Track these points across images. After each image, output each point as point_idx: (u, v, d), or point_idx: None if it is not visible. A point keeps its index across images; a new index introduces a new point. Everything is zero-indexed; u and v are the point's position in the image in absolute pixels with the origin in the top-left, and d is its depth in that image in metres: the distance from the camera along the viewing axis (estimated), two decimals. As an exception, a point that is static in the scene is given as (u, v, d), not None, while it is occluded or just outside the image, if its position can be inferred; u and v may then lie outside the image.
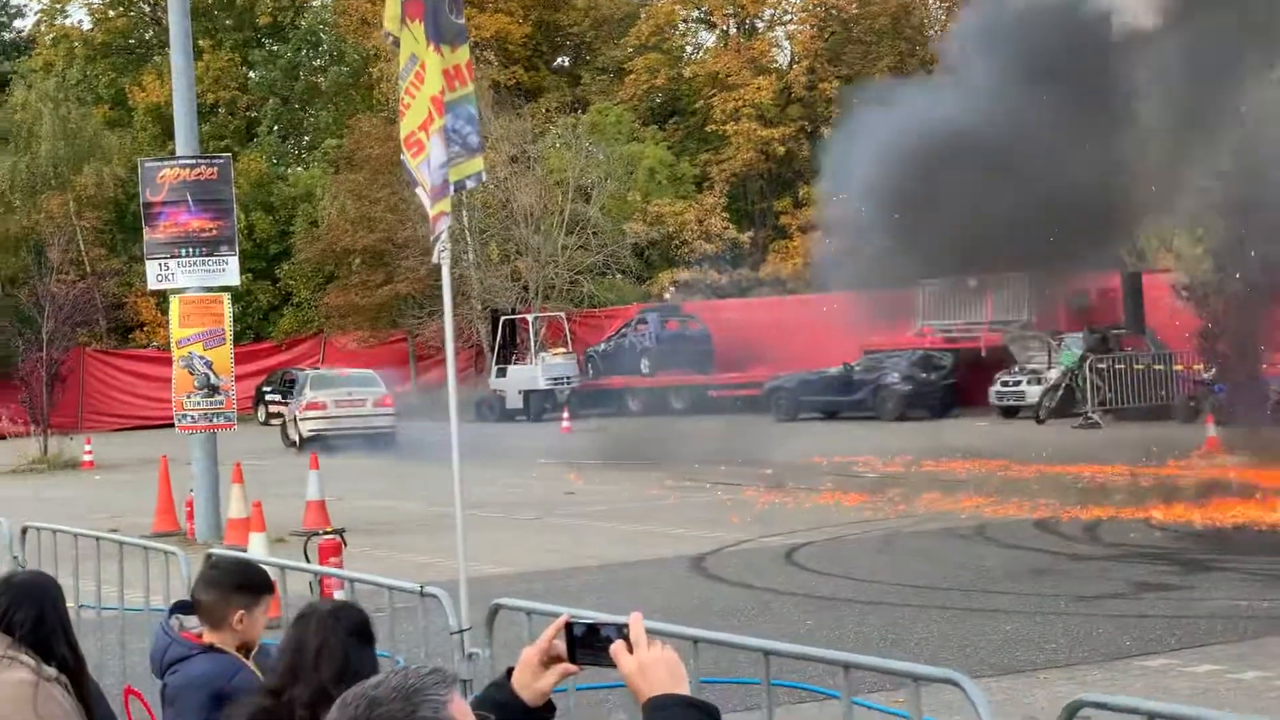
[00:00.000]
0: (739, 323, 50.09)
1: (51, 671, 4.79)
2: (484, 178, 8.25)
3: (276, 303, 62.22)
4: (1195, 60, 33.36)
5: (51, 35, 68.89)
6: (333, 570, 9.57)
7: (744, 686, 9.62)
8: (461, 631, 6.68)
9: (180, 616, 5.59)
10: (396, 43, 7.81)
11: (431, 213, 7.71)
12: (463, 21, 7.82)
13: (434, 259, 7.96)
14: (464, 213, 51.62)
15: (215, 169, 20.18)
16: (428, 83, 7.54)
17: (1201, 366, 32.03)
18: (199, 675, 5.22)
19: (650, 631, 3.08)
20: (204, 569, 5.53)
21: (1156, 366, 35.39)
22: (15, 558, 9.95)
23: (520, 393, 47.63)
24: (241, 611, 5.36)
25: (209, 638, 5.36)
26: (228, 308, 20.06)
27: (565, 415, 42.92)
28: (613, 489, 25.37)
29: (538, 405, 47.17)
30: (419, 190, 7.78)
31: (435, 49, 7.49)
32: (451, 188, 7.69)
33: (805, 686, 9.90)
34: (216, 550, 7.16)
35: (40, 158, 56.53)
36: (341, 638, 4.44)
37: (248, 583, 5.47)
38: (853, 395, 40.57)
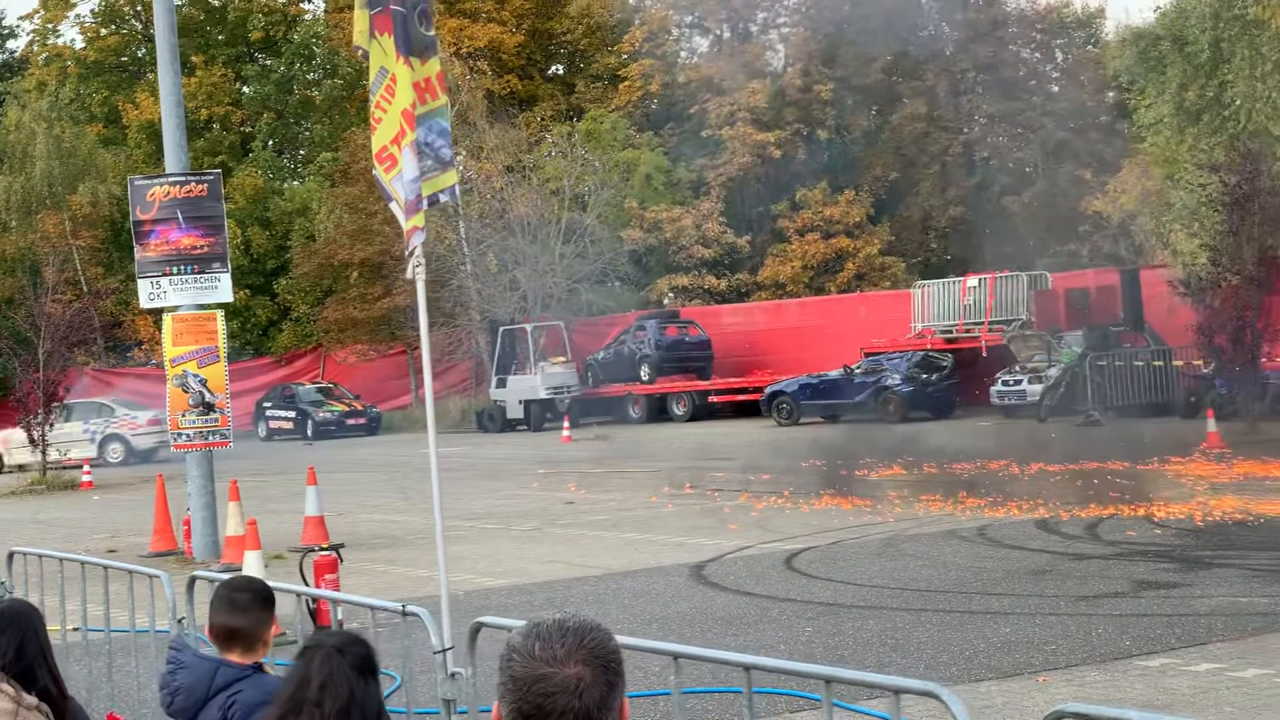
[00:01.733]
0: (738, 327, 50.11)
1: (32, 700, 4.74)
2: (457, 191, 8.17)
3: (275, 318, 62.22)
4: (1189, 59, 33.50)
5: (44, 55, 68.96)
6: (315, 591, 9.50)
7: (734, 696, 9.54)
8: (444, 651, 6.60)
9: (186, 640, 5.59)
10: (366, 56, 7.74)
11: (405, 227, 7.63)
12: (433, 33, 7.75)
13: (408, 274, 7.89)
14: (460, 224, 51.62)
15: (205, 185, 20.10)
16: (398, 96, 7.48)
17: (1200, 362, 31.96)
18: (270, 692, 5.18)
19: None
20: (227, 595, 5.48)
21: (1156, 363, 35.37)
22: (2, 584, 9.87)
23: (521, 403, 47.61)
24: (272, 627, 5.46)
25: (248, 658, 5.39)
26: (221, 325, 19.97)
27: (566, 424, 42.86)
28: (613, 497, 25.29)
29: (538, 415, 47.14)
30: (393, 205, 7.71)
31: (405, 62, 7.43)
32: (425, 202, 7.62)
33: (790, 693, 9.83)
34: (221, 574, 7.07)
35: (35, 178, 56.58)
36: (347, 673, 4.43)
37: (269, 598, 5.54)
38: (854, 398, 40.53)
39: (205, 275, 19.68)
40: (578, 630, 2.83)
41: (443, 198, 7.83)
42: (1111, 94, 54.73)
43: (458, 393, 53.90)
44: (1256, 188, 28.76)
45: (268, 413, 52.44)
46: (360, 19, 7.70)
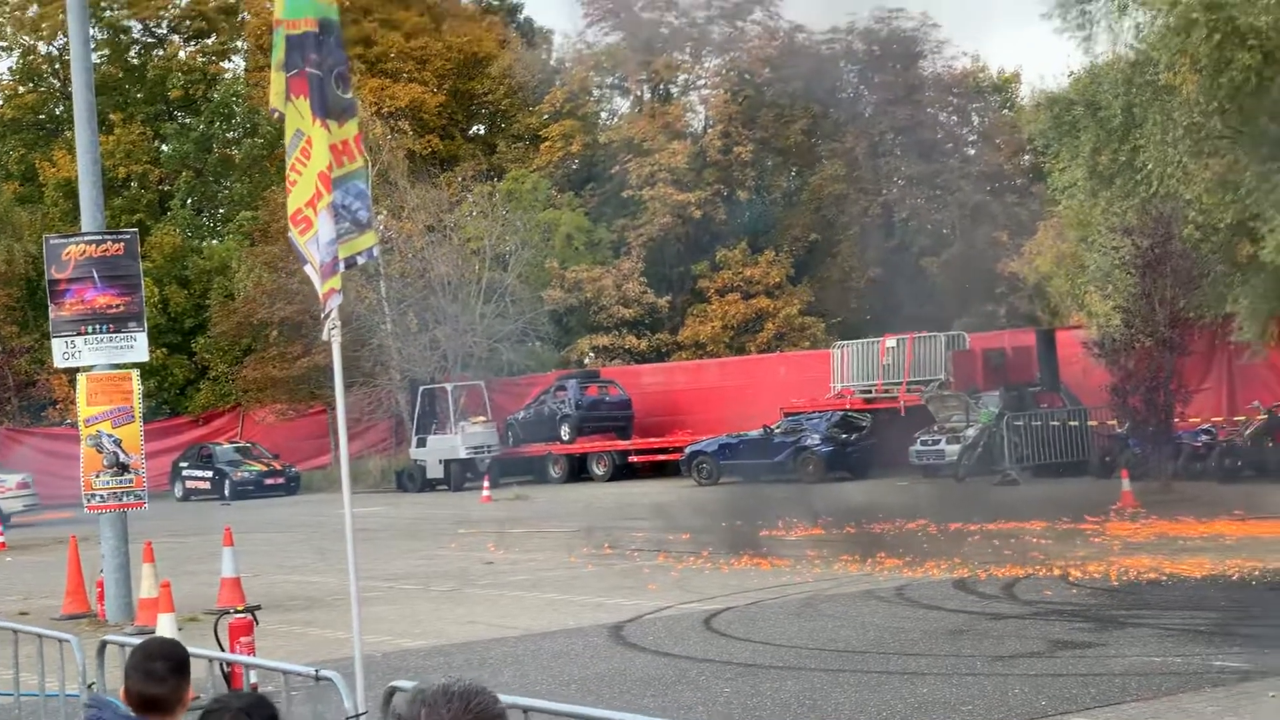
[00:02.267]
0: (658, 387, 50.18)
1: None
2: (376, 253, 8.17)
3: (193, 377, 61.68)
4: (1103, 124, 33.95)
5: (-40, 112, 68.35)
6: (228, 656, 9.41)
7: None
8: (357, 716, 6.56)
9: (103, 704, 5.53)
10: (282, 118, 7.74)
11: (321, 290, 7.61)
12: (351, 96, 7.77)
13: (324, 336, 7.87)
14: (381, 283, 51.46)
15: (122, 244, 19.96)
16: (314, 159, 7.47)
17: (1115, 422, 32.28)
18: None
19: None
20: (142, 662, 5.41)
21: (1072, 423, 35.69)
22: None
23: (441, 462, 47.46)
24: (188, 693, 5.39)
25: None
26: (136, 385, 19.80)
27: (486, 484, 42.72)
28: (532, 558, 25.23)
29: (459, 475, 46.99)
30: (307, 268, 7.69)
31: (322, 124, 7.43)
32: (342, 264, 7.61)
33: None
34: (134, 637, 7.00)
35: (-50, 235, 55.98)
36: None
37: (185, 664, 5.46)
38: (774, 458, 40.65)
39: (121, 334, 19.53)
40: (463, 695, 2.84)
41: (360, 260, 7.83)
42: (1027, 157, 55.37)
43: (378, 452, 53.64)
44: (1168, 251, 29.17)
45: (184, 473, 51.94)
46: (276, 81, 7.70)
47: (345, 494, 8.39)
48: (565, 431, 47.43)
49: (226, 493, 49.73)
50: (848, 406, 41.52)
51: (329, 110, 7.54)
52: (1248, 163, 31.04)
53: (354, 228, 7.72)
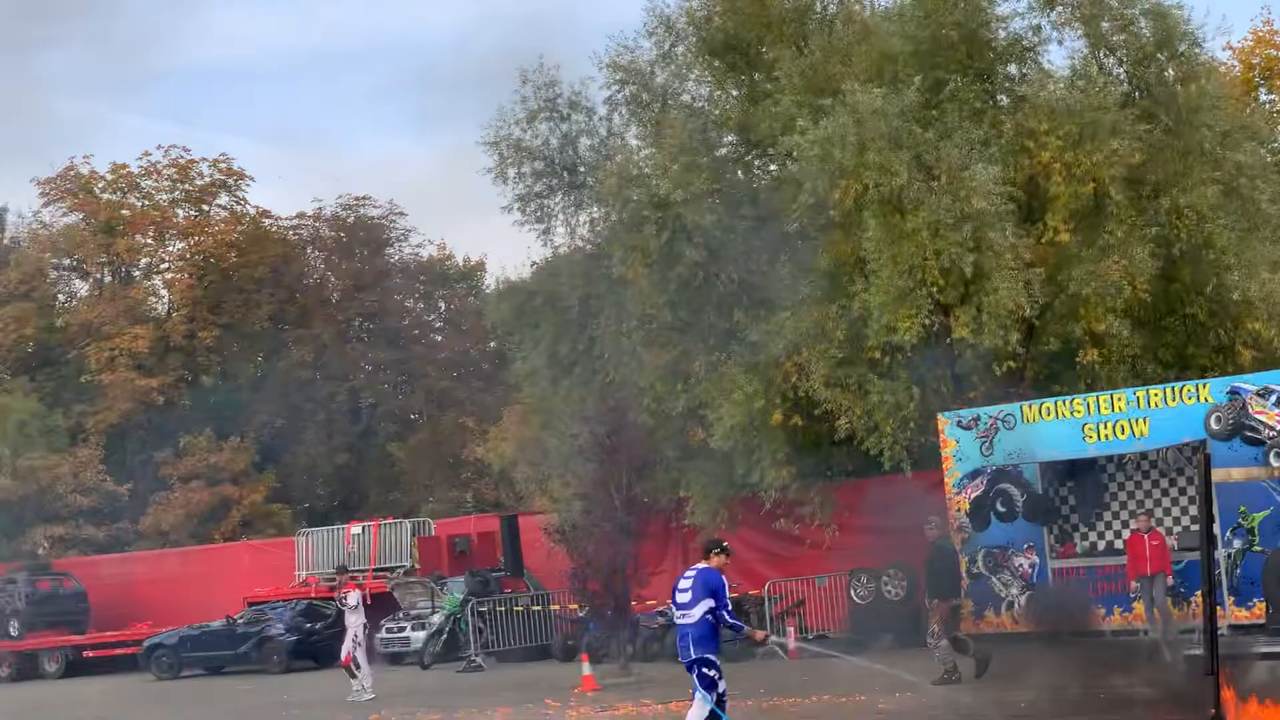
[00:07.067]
0: (118, 578, 48.35)
1: None
2: None
3: None
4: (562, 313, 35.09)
5: None
6: None
7: None
8: None
9: None
10: None
11: None
12: None
13: None
14: None
15: None
16: None
17: (575, 606, 32.90)
18: None
19: None
20: None
21: (535, 607, 36.20)
22: None
23: (-128, 665, 44.31)
24: None
25: None
26: None
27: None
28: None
29: (-112, 681, 43.96)
30: None
31: None
32: None
33: None
34: None
35: None
36: None
37: None
38: (237, 649, 39.72)
39: None
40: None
41: None
42: (494, 343, 56.52)
43: None
44: (624, 438, 30.10)
45: None
46: None
47: None
48: (14, 627, 45.08)
49: None
50: (313, 595, 40.97)
51: None
52: (696, 353, 32.55)
53: None
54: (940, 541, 24.73)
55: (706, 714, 15.41)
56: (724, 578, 15.99)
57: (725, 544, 16.44)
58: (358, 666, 29.51)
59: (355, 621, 29.66)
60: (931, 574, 24.44)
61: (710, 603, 15.56)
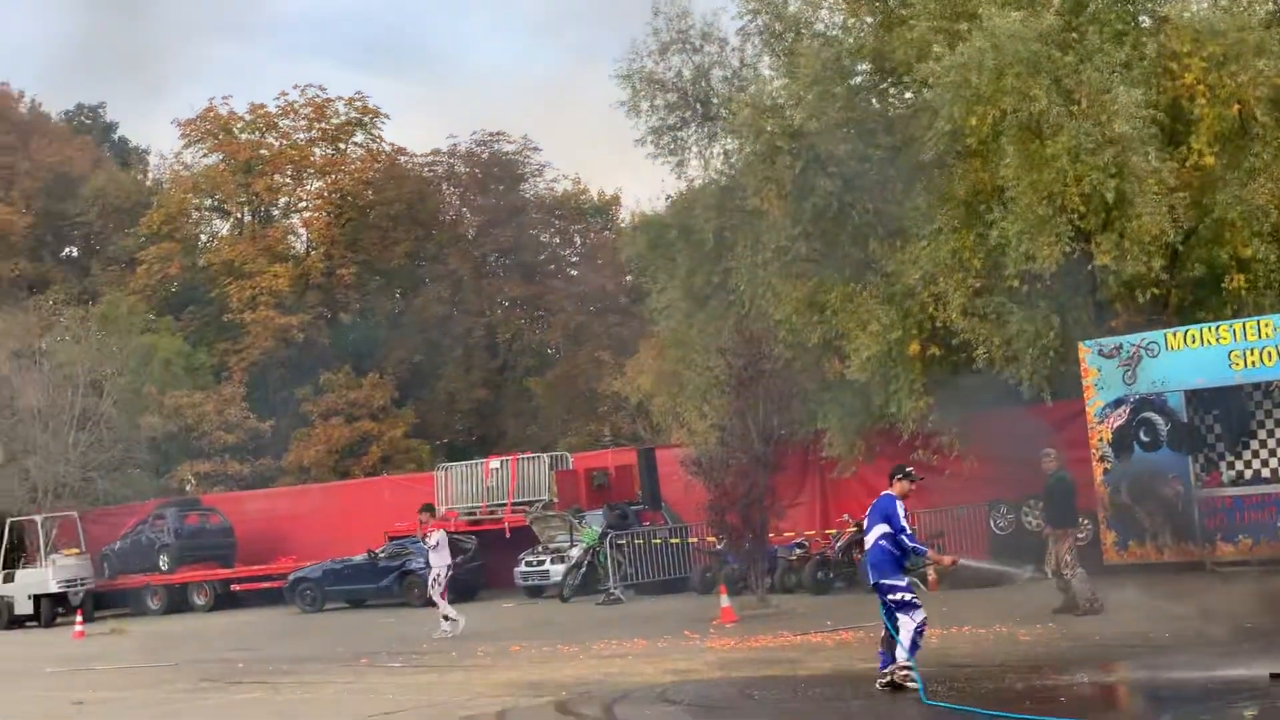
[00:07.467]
0: (262, 513, 49.14)
1: None
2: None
3: None
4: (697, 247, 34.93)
5: None
6: None
7: None
8: None
9: None
10: None
11: None
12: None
13: None
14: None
15: None
16: None
17: (713, 539, 32.91)
18: None
19: None
20: None
21: (673, 540, 36.28)
22: None
23: (30, 597, 45.45)
24: None
25: None
26: None
27: (79, 619, 41.01)
28: (124, 696, 24.20)
29: (49, 610, 45.05)
30: None
31: None
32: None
33: None
34: None
35: None
36: None
37: None
38: (379, 583, 40.29)
39: None
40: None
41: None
42: (629, 277, 56.52)
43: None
44: (760, 370, 29.99)
45: None
46: None
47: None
48: (164, 561, 46.03)
49: None
50: (453, 529, 41.34)
51: None
52: (832, 284, 32.28)
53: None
54: (1058, 473, 24.43)
55: (912, 630, 15.40)
56: (899, 503, 15.86)
57: (910, 470, 16.32)
58: (435, 605, 29.57)
59: (439, 562, 29.61)
60: (1051, 505, 24.33)
61: (884, 528, 15.52)
